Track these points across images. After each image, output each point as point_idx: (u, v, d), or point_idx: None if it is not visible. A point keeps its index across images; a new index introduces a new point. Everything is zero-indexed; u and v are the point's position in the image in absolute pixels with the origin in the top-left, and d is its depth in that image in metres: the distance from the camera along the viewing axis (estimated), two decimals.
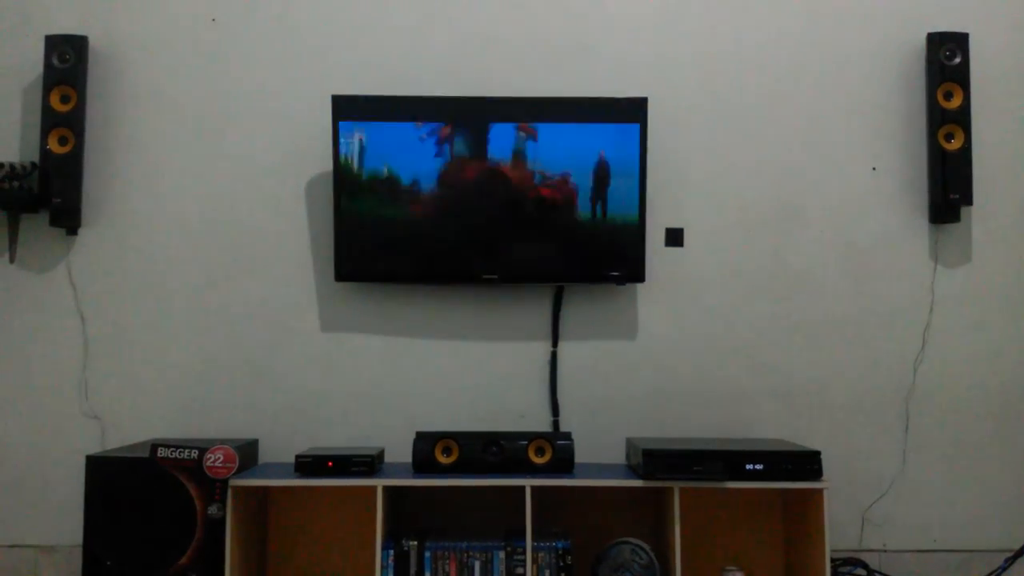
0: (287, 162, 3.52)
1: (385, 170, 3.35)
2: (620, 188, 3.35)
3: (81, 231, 3.50)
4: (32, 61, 3.49)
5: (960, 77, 3.45)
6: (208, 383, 3.47)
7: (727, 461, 3.00)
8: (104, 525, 2.99)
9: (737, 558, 3.28)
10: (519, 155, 3.36)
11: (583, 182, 3.35)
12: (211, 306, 3.50)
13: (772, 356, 3.50)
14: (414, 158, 3.35)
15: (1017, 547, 3.40)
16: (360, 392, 3.48)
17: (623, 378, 3.49)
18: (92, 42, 3.50)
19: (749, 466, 3.00)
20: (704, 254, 3.52)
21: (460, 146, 3.36)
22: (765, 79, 3.57)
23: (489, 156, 3.36)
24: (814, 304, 3.51)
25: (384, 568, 3.00)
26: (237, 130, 3.54)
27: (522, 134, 3.35)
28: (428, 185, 3.35)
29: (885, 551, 3.43)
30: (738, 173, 3.55)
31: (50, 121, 3.41)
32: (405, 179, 3.35)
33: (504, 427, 3.40)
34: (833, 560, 3.22)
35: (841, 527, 3.40)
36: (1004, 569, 3.38)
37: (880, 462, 3.46)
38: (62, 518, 3.39)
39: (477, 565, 3.02)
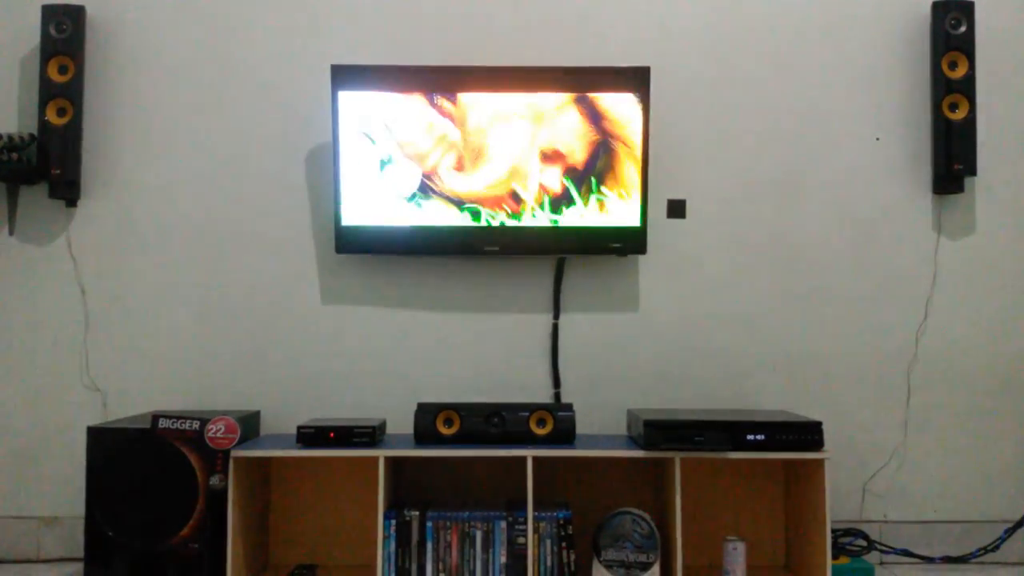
0: (287, 132, 3.51)
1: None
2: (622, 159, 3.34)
3: (81, 203, 3.49)
4: (29, 31, 3.46)
5: (965, 46, 3.42)
6: (209, 355, 3.47)
7: (728, 431, 3.00)
8: (106, 496, 3.00)
9: (738, 528, 3.29)
10: None
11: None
12: (212, 278, 3.49)
13: (774, 327, 3.49)
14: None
15: (1016, 518, 3.41)
16: (362, 364, 3.47)
17: (624, 350, 3.48)
18: (89, 12, 3.47)
19: (750, 437, 3.00)
20: (706, 225, 3.51)
21: None
22: (768, 48, 3.54)
23: None
24: (817, 275, 3.50)
25: (386, 538, 3.01)
26: (236, 100, 3.52)
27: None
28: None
29: (886, 522, 3.44)
30: (741, 144, 3.52)
31: (48, 92, 3.38)
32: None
33: (505, 398, 3.40)
34: (834, 531, 3.23)
35: (842, 498, 3.41)
36: (1003, 540, 3.39)
37: (881, 433, 3.47)
38: (64, 489, 3.40)
39: (478, 535, 3.03)
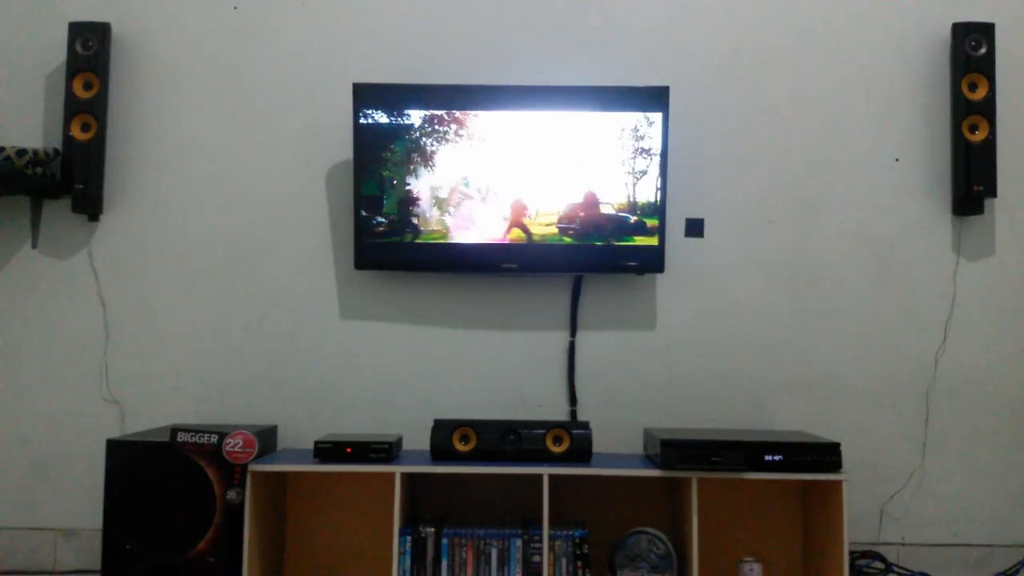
0: (308, 149, 3.53)
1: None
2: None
3: (103, 217, 3.52)
4: (55, 48, 3.51)
5: (985, 68, 3.41)
6: (228, 369, 3.49)
7: (746, 452, 2.99)
8: (124, 509, 3.00)
9: (754, 549, 3.27)
10: None
11: None
12: (231, 293, 3.51)
13: (792, 347, 3.48)
14: None
15: None
16: (379, 379, 3.48)
17: (641, 368, 3.48)
18: (115, 29, 3.51)
19: (768, 457, 2.99)
20: (724, 245, 3.51)
21: None
22: (788, 69, 3.55)
23: None
24: (835, 296, 3.49)
25: (401, 554, 3.01)
26: (258, 118, 3.55)
27: None
28: None
29: (903, 544, 3.42)
30: (759, 163, 3.53)
31: (73, 108, 3.43)
32: None
33: (522, 416, 3.40)
34: (851, 553, 3.21)
35: (859, 520, 3.38)
36: (1023, 565, 3.36)
37: (900, 455, 3.45)
38: (82, 502, 3.42)
39: (494, 552, 3.03)
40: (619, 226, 3.35)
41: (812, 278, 3.50)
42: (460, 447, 3.12)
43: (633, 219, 3.34)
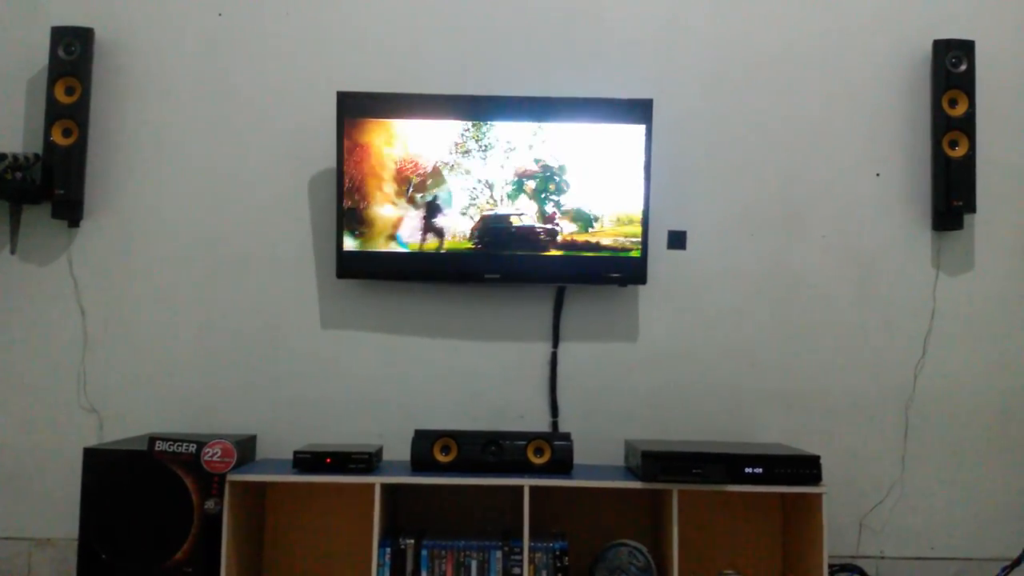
0: (291, 158, 3.52)
1: None
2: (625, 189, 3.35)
3: (83, 223, 3.50)
4: (38, 52, 3.49)
5: (965, 84, 3.45)
6: (207, 378, 3.47)
7: (726, 464, 2.99)
8: (100, 518, 2.98)
9: (735, 562, 3.28)
10: None
11: None
12: (212, 301, 3.49)
13: (773, 360, 3.49)
14: None
15: (1014, 556, 3.39)
16: (359, 389, 3.47)
17: (623, 380, 3.48)
18: (98, 34, 3.49)
19: (748, 469, 3.00)
20: (706, 257, 3.52)
21: None
22: (770, 83, 3.57)
23: None
24: (816, 309, 3.51)
25: (380, 566, 2.99)
26: (242, 125, 3.54)
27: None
28: None
29: (882, 558, 3.43)
30: (742, 177, 3.54)
31: (54, 113, 3.40)
32: None
33: (503, 427, 3.39)
34: (830, 566, 3.21)
35: (839, 532, 3.39)
36: None
37: (879, 468, 3.46)
38: (58, 511, 3.38)
39: (474, 564, 3.01)
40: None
41: (793, 291, 3.52)
42: (441, 458, 3.11)
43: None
